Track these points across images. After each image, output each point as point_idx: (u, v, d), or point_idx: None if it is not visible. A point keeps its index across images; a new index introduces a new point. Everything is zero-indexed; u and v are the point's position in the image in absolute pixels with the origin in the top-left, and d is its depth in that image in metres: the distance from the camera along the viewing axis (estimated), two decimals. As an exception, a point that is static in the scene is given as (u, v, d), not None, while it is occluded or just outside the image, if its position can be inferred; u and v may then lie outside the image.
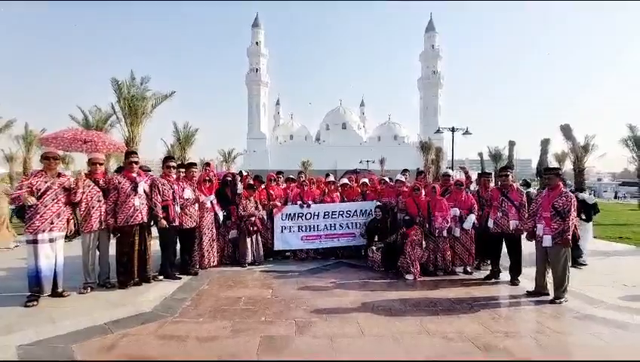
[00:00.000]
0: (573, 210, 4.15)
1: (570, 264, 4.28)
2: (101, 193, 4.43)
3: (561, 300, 4.17)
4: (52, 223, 3.90)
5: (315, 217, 6.39)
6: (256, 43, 74.25)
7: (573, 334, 3.49)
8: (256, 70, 73.54)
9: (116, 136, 19.06)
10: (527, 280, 4.89)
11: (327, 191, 6.75)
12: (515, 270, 5.00)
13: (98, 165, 4.49)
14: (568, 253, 4.25)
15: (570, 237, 4.13)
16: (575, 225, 4.22)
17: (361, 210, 6.47)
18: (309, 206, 6.35)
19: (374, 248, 5.76)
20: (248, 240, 5.74)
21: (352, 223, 6.45)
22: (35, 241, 3.81)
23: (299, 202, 6.37)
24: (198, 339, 3.16)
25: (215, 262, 5.58)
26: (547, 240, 4.23)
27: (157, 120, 17.88)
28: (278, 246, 6.28)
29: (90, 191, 4.35)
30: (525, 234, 4.70)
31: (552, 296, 4.30)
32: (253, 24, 75.08)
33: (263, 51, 74.41)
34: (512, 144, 33.40)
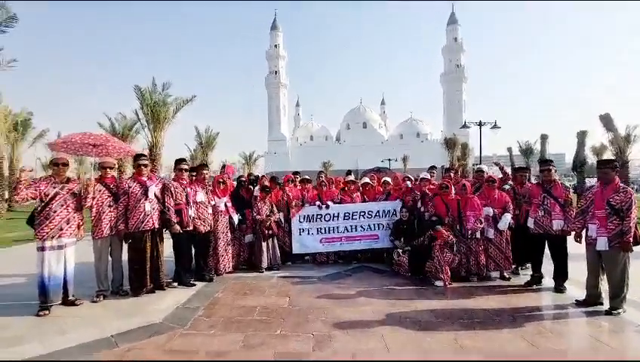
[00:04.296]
0: (634, 207, 3.58)
1: (629, 269, 3.70)
2: (112, 198, 4.29)
3: (619, 311, 3.62)
4: (61, 229, 3.78)
5: (335, 218, 6.04)
6: (275, 46, 74.87)
7: (638, 351, 2.97)
8: (276, 72, 74.14)
9: (141, 141, 19.65)
10: (575, 287, 4.34)
11: (346, 189, 6.39)
12: (561, 275, 4.45)
13: (109, 169, 4.36)
14: (628, 257, 3.67)
15: (631, 239, 3.56)
16: (637, 225, 3.64)
17: (384, 211, 6.06)
18: (327, 207, 6.01)
19: (400, 251, 5.34)
20: (264, 244, 5.47)
21: (374, 224, 6.05)
22: (43, 248, 3.70)
23: (317, 203, 6.05)
24: (207, 354, 2.90)
25: (230, 268, 5.35)
26: (602, 243, 3.67)
27: (179, 124, 18.18)
28: (296, 249, 5.98)
29: (100, 196, 4.22)
30: (573, 234, 4.14)
31: (606, 306, 3.75)
32: (272, 27, 75.77)
33: (282, 53, 74.94)
34: (544, 138, 31.47)
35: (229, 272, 5.32)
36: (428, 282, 4.80)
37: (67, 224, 3.85)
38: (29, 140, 22.48)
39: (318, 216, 6.02)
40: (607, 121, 17.91)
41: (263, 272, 5.41)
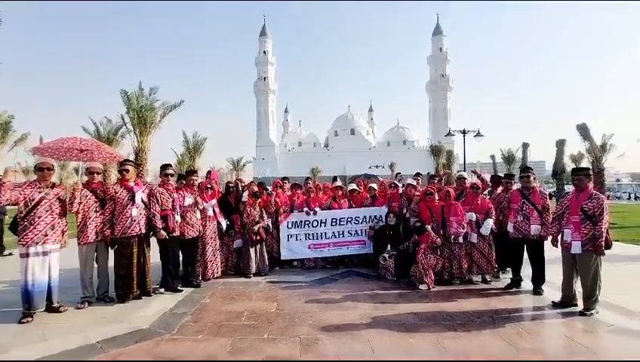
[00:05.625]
0: (605, 213, 3.79)
1: (601, 271, 3.90)
2: (99, 203, 4.27)
3: (592, 311, 3.80)
4: (46, 235, 3.74)
5: (323, 224, 6.12)
6: (264, 52, 74.98)
7: (609, 350, 3.15)
8: (264, 78, 74.14)
9: (126, 146, 19.33)
10: (552, 289, 4.53)
11: (335, 197, 6.49)
12: (538, 278, 4.63)
13: (95, 174, 4.34)
14: (599, 261, 3.87)
15: (603, 243, 3.77)
16: (608, 230, 3.85)
17: (371, 216, 6.18)
18: (315, 213, 6.09)
19: (386, 256, 5.45)
20: (251, 250, 5.50)
21: (361, 230, 6.16)
22: (27, 255, 3.65)
23: (305, 209, 6.12)
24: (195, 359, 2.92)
25: (219, 273, 5.35)
26: (576, 247, 3.86)
27: (167, 129, 17.98)
28: (284, 255, 6.02)
29: (87, 202, 4.20)
30: (550, 239, 4.34)
31: (580, 306, 3.93)
32: (261, 33, 75.92)
33: (270, 60, 75.07)
34: (525, 146, 32.62)
35: (217, 278, 5.32)
36: (412, 286, 4.91)
37: (52, 230, 3.81)
38: (10, 144, 21.80)
39: (306, 222, 6.09)
40: (583, 131, 18.66)
41: (250, 278, 5.43)
